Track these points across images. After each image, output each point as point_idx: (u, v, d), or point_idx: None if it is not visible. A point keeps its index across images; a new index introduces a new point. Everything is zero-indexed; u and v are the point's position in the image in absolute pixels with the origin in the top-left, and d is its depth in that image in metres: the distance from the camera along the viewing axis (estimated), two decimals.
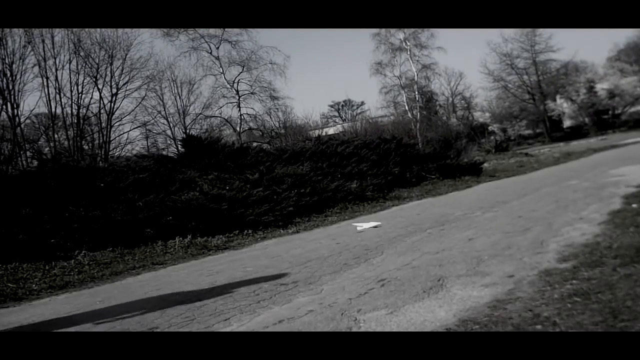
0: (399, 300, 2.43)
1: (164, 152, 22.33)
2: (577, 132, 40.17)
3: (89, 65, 21.99)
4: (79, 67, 21.55)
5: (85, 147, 22.59)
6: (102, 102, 23.17)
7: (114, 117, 23.98)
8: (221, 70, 29.15)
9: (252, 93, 28.71)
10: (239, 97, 28.70)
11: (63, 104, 21.11)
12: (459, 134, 30.34)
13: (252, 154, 9.83)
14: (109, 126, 23.31)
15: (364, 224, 5.72)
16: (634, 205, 4.14)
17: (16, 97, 19.20)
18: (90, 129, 23.29)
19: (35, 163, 17.12)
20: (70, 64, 21.16)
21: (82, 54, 21.50)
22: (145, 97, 27.04)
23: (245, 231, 6.52)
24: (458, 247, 3.57)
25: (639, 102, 38.86)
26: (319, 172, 9.41)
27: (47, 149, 22.29)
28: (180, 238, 5.99)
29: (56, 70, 20.60)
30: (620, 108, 40.93)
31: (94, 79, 22.33)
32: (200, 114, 30.46)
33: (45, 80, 20.32)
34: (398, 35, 35.01)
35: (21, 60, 19.39)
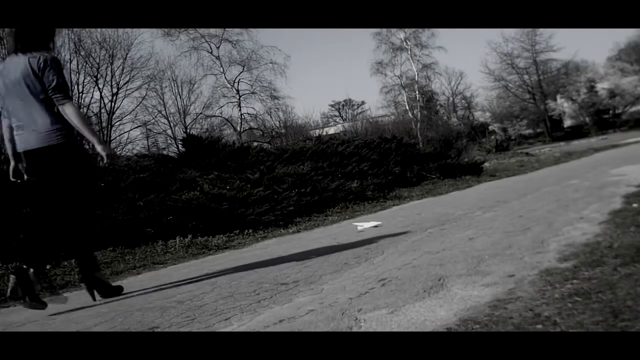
0: (400, 299, 2.43)
1: (165, 152, 22.38)
2: (577, 132, 40.23)
3: (90, 65, 22.03)
4: (80, 66, 21.59)
5: (86, 146, 22.63)
6: (102, 101, 23.20)
7: (114, 116, 24.01)
8: (222, 70, 29.17)
9: (252, 93, 28.77)
10: (240, 96, 28.74)
11: None
12: (460, 134, 30.43)
13: (252, 154, 9.84)
14: (109, 125, 23.34)
15: (364, 224, 5.72)
16: (635, 205, 4.14)
17: None
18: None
19: None
20: (70, 63, 21.20)
21: (82, 53, 21.53)
22: (146, 97, 27.09)
23: (246, 231, 6.53)
24: (459, 247, 3.56)
25: None
26: (320, 171, 9.42)
27: None
28: (181, 237, 6.00)
29: None
30: (621, 107, 40.97)
31: (95, 79, 22.36)
32: (201, 113, 30.49)
33: None
34: (399, 34, 35.06)
35: None
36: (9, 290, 3.20)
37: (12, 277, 3.22)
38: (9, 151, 3.45)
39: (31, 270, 3.23)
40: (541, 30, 40.37)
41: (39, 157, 3.28)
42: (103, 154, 3.37)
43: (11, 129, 3.38)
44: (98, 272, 3.58)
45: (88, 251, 3.52)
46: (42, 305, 3.26)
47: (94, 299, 3.45)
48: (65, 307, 3.41)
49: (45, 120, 3.24)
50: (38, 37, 3.27)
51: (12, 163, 3.47)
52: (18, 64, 3.24)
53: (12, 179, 3.51)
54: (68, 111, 3.24)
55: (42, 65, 3.19)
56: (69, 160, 3.32)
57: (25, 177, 3.45)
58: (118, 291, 3.59)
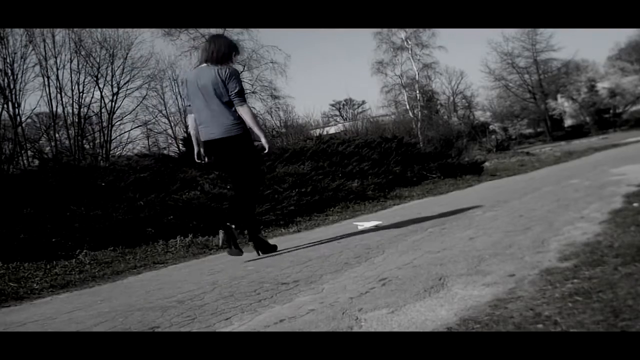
0: (400, 299, 2.42)
1: (165, 152, 22.37)
2: (578, 131, 40.22)
3: (90, 65, 22.06)
4: (80, 66, 21.64)
5: (87, 146, 22.64)
6: (103, 101, 23.22)
7: (115, 116, 24.02)
8: None
9: (253, 92, 28.76)
10: None
11: (64, 103, 21.19)
12: (460, 133, 30.40)
13: None
14: (110, 125, 23.34)
15: (365, 223, 5.72)
16: (635, 204, 4.13)
17: (17, 97, 19.25)
18: (91, 128, 23.35)
19: (37, 162, 17.16)
20: (71, 63, 21.26)
21: (83, 53, 21.57)
22: (146, 96, 27.11)
23: (247, 230, 6.52)
24: (459, 246, 3.56)
25: None
26: (320, 171, 9.42)
27: (48, 148, 22.36)
28: (182, 237, 6.00)
29: (57, 69, 20.70)
30: (621, 107, 40.98)
31: (95, 78, 22.37)
32: None
33: (46, 79, 20.39)
34: (399, 34, 35.05)
35: (22, 60, 19.49)
36: (220, 241, 4.30)
37: (221, 232, 4.26)
38: (194, 139, 4.53)
39: (233, 226, 4.29)
40: (541, 29, 40.38)
41: (224, 144, 4.27)
42: (266, 145, 4.36)
43: (196, 122, 4.40)
44: (260, 233, 4.74)
45: (254, 216, 4.66)
46: (241, 252, 4.39)
47: (259, 254, 4.55)
48: (66, 307, 3.41)
49: (228, 117, 4.22)
50: (225, 55, 4.31)
51: (197, 148, 4.55)
52: (208, 73, 4.23)
53: (197, 161, 4.62)
54: (244, 111, 4.22)
55: (227, 75, 4.18)
56: (245, 146, 4.33)
57: (206, 159, 4.56)
58: (274, 248, 4.67)
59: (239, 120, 4.25)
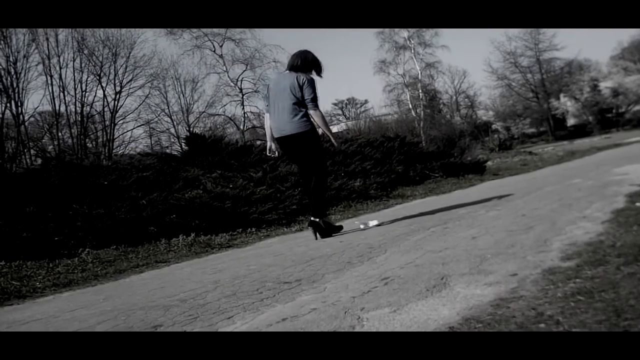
0: (403, 298, 2.42)
1: (168, 150, 22.39)
2: (581, 131, 40.14)
3: (93, 64, 22.09)
4: (83, 65, 21.66)
5: (89, 145, 22.67)
6: (105, 100, 23.24)
7: (117, 115, 24.04)
8: (225, 69, 29.24)
9: (255, 91, 28.76)
10: (243, 95, 28.72)
11: (67, 102, 21.22)
12: (463, 133, 30.39)
13: (255, 152, 9.84)
14: (112, 124, 23.36)
15: (367, 222, 5.71)
16: (638, 204, 4.12)
17: (20, 96, 19.28)
18: (94, 127, 23.39)
19: (39, 161, 17.20)
20: (74, 62, 21.29)
21: (86, 52, 21.59)
22: (149, 95, 27.17)
23: (249, 229, 6.53)
24: (461, 246, 3.56)
25: None
26: None
27: (50, 147, 22.40)
28: (184, 236, 6.01)
29: (60, 68, 20.73)
30: (624, 106, 40.89)
31: (98, 77, 22.40)
32: (204, 112, 30.57)
33: (49, 78, 20.42)
34: (402, 33, 35.02)
35: (25, 59, 19.51)
36: (312, 233, 5.04)
37: (310, 227, 5.08)
38: (268, 135, 5.26)
39: (317, 219, 5.03)
40: (544, 29, 40.31)
41: (294, 139, 4.97)
42: (335, 144, 5.49)
43: (271, 120, 5.10)
44: (326, 217, 5.21)
45: (323, 200, 5.20)
46: (327, 237, 5.02)
47: (316, 238, 5.00)
48: (69, 305, 3.42)
49: (298, 116, 4.91)
50: (306, 67, 5.03)
51: (268, 143, 5.29)
52: (289, 78, 4.95)
53: (268, 154, 5.40)
54: (316, 115, 4.93)
55: (304, 82, 4.88)
56: (313, 140, 5.02)
57: (277, 153, 5.30)
58: (340, 228, 5.42)
59: (307, 118, 4.93)
